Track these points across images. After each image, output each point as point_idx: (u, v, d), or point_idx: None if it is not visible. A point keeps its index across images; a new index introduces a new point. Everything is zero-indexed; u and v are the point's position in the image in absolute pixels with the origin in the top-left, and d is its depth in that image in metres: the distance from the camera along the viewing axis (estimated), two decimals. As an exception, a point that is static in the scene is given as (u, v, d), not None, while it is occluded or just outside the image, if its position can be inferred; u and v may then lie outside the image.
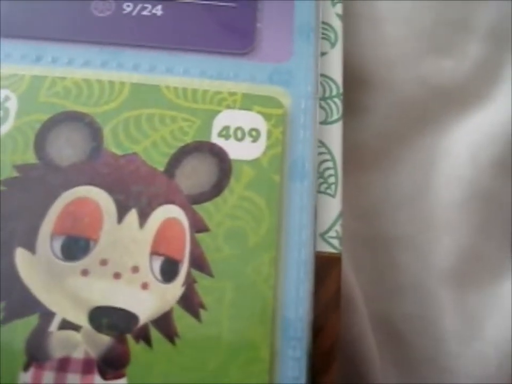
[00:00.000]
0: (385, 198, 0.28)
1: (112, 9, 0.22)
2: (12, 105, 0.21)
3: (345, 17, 0.24)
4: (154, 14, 0.22)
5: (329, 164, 0.21)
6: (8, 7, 0.22)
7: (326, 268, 0.20)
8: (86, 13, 0.22)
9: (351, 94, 0.26)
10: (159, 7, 0.22)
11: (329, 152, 0.21)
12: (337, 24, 0.23)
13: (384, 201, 0.28)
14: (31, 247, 0.19)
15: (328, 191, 0.21)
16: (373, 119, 0.27)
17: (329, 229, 0.20)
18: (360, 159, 0.28)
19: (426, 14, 0.28)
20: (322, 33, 0.23)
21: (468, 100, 0.28)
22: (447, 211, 0.27)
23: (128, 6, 0.22)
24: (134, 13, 0.22)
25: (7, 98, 0.21)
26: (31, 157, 0.20)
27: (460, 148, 0.27)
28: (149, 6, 0.22)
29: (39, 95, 0.21)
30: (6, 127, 0.20)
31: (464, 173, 0.27)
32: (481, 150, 0.27)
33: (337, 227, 0.20)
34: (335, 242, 0.20)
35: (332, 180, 0.21)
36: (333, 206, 0.21)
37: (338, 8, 0.24)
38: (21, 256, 0.19)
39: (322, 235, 0.20)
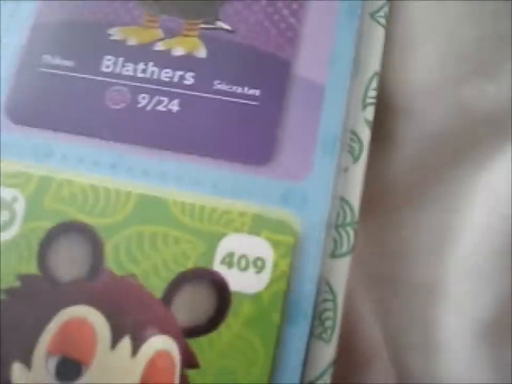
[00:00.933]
0: (417, 238, 0.25)
1: (127, 101, 0.21)
2: (20, 207, 0.20)
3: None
4: (170, 110, 0.21)
5: (329, 305, 0.20)
6: (23, 95, 0.21)
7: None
8: (100, 104, 0.21)
9: (383, 123, 0.23)
10: (176, 101, 0.21)
11: (332, 292, 0.20)
12: (364, 133, 0.21)
13: (416, 242, 0.25)
14: (27, 362, 0.19)
15: (324, 335, 0.20)
16: (406, 151, 0.25)
17: (318, 377, 0.19)
18: (390, 194, 0.25)
19: (470, 30, 0.24)
20: (346, 144, 0.21)
21: None
22: (486, 257, 0.24)
23: (144, 98, 0.21)
24: (149, 107, 0.21)
25: (15, 199, 0.20)
26: (33, 268, 0.20)
27: (502, 183, 0.24)
28: (165, 100, 0.21)
29: (45, 199, 0.20)
30: (13, 231, 0.20)
31: (506, 211, 0.24)
32: None
33: (327, 378, 0.19)
34: None
35: (329, 323, 0.20)
36: (326, 353, 0.19)
37: (369, 112, 0.21)
38: (17, 371, 0.19)
39: None
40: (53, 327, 0.19)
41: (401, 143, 0.24)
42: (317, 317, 0.19)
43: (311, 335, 0.19)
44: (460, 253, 0.25)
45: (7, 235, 0.20)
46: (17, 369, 0.19)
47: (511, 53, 0.24)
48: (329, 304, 0.20)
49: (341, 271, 0.20)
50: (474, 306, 0.24)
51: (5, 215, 0.20)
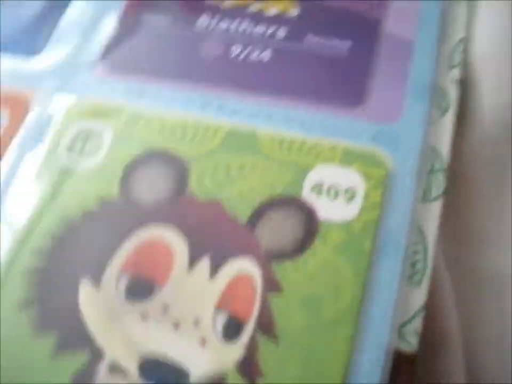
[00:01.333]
0: (499, 225, 0.23)
1: (221, 51, 0.21)
2: (108, 137, 0.20)
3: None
4: (262, 59, 0.21)
5: (419, 248, 0.18)
6: (120, 44, 0.22)
7: (398, 367, 0.17)
8: (194, 53, 0.22)
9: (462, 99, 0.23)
10: (268, 51, 0.21)
11: (422, 234, 0.19)
12: (452, 90, 0.21)
13: (497, 229, 0.23)
14: (96, 280, 0.18)
15: (414, 278, 0.18)
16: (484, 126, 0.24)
17: (408, 322, 0.18)
18: (466, 166, 0.24)
19: None
20: (436, 98, 0.21)
21: None
22: None
23: (237, 48, 0.21)
24: (242, 57, 0.21)
25: (105, 130, 0.20)
26: (115, 191, 0.19)
27: None
28: (258, 51, 0.21)
29: (134, 131, 0.20)
30: (99, 158, 0.20)
31: None
32: None
33: (417, 322, 0.17)
34: (413, 339, 0.17)
35: (419, 266, 0.18)
36: (416, 297, 0.18)
37: (456, 72, 0.21)
38: (84, 288, 0.18)
39: (399, 328, 0.18)
40: (128, 246, 0.19)
41: (478, 118, 0.24)
42: (407, 259, 0.18)
43: (402, 277, 0.18)
44: None
45: (92, 162, 0.20)
46: (85, 285, 0.18)
47: None
48: (419, 247, 0.18)
49: (432, 215, 0.19)
50: None
51: (92, 144, 0.20)
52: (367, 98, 0.20)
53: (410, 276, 0.18)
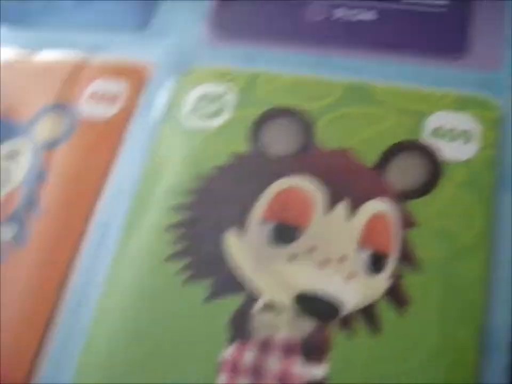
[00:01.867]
0: None
1: (326, 14, 0.23)
2: (231, 98, 0.22)
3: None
4: (366, 19, 0.23)
5: None
6: (227, 12, 0.24)
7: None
8: (300, 17, 0.23)
9: None
10: (373, 12, 0.23)
11: None
12: None
13: None
14: (242, 229, 0.20)
15: None
16: None
17: None
18: None
19: None
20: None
21: None
22: None
23: (341, 11, 0.23)
24: (346, 18, 0.23)
25: (227, 92, 0.22)
26: (246, 147, 0.21)
27: None
28: (362, 11, 0.23)
29: (256, 91, 0.22)
30: (225, 117, 0.21)
31: None
32: None
33: None
34: None
35: None
36: None
37: None
38: (232, 237, 0.20)
39: None
40: (268, 195, 0.20)
41: None
42: None
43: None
44: None
45: (219, 121, 0.21)
46: (232, 235, 0.20)
47: None
48: None
49: None
50: None
51: (217, 106, 0.22)
52: (469, 49, 0.22)
53: None
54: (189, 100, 0.22)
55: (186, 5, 0.24)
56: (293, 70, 0.22)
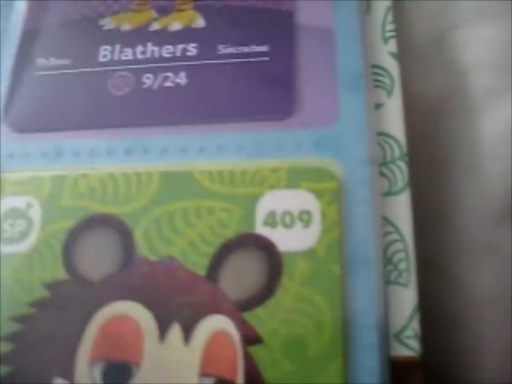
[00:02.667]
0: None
1: (131, 85, 0.19)
2: (36, 213, 0.19)
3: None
4: (178, 84, 0.19)
5: (399, 246, 0.18)
6: (22, 102, 0.20)
7: (405, 376, 0.17)
8: (103, 94, 0.20)
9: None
10: (182, 74, 0.19)
11: (397, 231, 0.18)
12: (392, 66, 0.19)
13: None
14: (69, 376, 0.17)
15: (400, 279, 0.18)
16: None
17: (405, 327, 0.17)
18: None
19: None
20: (375, 80, 0.19)
21: None
22: (486, 229, 0.22)
23: (148, 78, 0.20)
24: (155, 86, 0.19)
25: (29, 206, 0.19)
26: (61, 273, 0.18)
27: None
28: (171, 75, 0.19)
29: (62, 199, 0.19)
30: (32, 240, 0.18)
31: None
32: None
33: (414, 324, 0.17)
34: (413, 343, 0.17)
35: (403, 265, 0.18)
36: (406, 298, 0.17)
37: (392, 45, 0.20)
38: (59, 388, 0.17)
39: (396, 336, 0.17)
40: (91, 331, 0.17)
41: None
42: (389, 261, 0.17)
43: (387, 282, 0.17)
44: (458, 226, 0.23)
45: (26, 245, 0.18)
46: (59, 386, 0.17)
47: None
48: (399, 245, 0.18)
49: (402, 207, 0.18)
50: (475, 282, 0.22)
51: (21, 225, 0.19)
52: (298, 104, 0.19)
53: (396, 278, 0.18)
54: (-6, 218, 0.19)
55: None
56: (104, 162, 0.19)
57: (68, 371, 0.17)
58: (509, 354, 0.21)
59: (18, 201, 0.19)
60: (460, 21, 0.24)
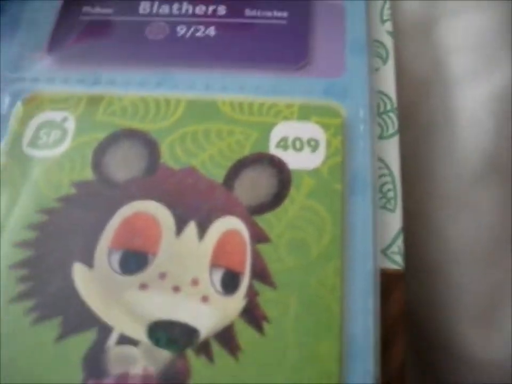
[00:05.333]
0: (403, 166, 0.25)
1: (166, 32, 0.22)
2: (70, 125, 0.21)
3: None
4: (207, 35, 0.22)
5: (387, 179, 0.20)
6: (66, 40, 0.23)
7: (389, 285, 0.19)
8: (140, 38, 0.22)
9: None
10: (212, 28, 0.22)
11: (387, 167, 0.21)
12: (388, 41, 0.23)
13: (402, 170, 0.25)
14: (89, 261, 0.19)
15: (388, 205, 0.20)
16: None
17: (391, 244, 0.19)
18: None
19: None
20: (374, 50, 0.23)
21: None
22: (466, 186, 0.25)
23: (182, 28, 0.22)
24: (188, 35, 0.22)
25: (65, 119, 0.21)
26: (88, 175, 0.20)
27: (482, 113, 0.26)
28: (202, 28, 0.22)
29: (96, 115, 0.21)
30: (64, 146, 0.20)
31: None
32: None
33: (399, 242, 0.19)
34: (398, 258, 0.19)
35: (390, 194, 0.20)
36: (393, 221, 0.20)
37: (388, 25, 0.23)
38: (78, 271, 0.18)
39: (384, 251, 0.19)
40: (113, 224, 0.19)
41: None
42: (379, 190, 0.20)
43: (377, 207, 0.20)
44: (441, 182, 0.25)
45: (59, 150, 0.20)
46: (78, 269, 0.19)
47: None
48: (387, 178, 0.20)
49: (392, 149, 0.21)
50: (454, 233, 0.25)
51: (56, 134, 0.21)
52: (311, 58, 0.22)
53: (384, 204, 0.20)
54: (30, 129, 0.21)
55: (21, 29, 0.23)
56: (136, 90, 0.21)
57: (88, 257, 0.19)
58: (484, 305, 0.23)
59: (55, 115, 0.21)
60: (446, 11, 0.27)
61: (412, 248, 0.23)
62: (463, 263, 0.24)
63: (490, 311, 0.24)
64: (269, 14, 0.23)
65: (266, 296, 0.18)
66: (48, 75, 0.22)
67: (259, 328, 0.18)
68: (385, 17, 0.24)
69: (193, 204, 0.19)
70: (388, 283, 0.19)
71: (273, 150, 0.20)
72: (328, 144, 0.20)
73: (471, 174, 0.25)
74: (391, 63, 0.23)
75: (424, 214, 0.25)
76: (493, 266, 0.24)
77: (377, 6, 0.24)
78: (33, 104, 0.21)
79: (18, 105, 0.21)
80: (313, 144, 0.20)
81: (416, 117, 0.26)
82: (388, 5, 0.24)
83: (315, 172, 0.20)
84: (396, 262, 0.19)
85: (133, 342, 0.18)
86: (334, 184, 0.19)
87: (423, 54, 0.27)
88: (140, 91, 0.21)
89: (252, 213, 0.19)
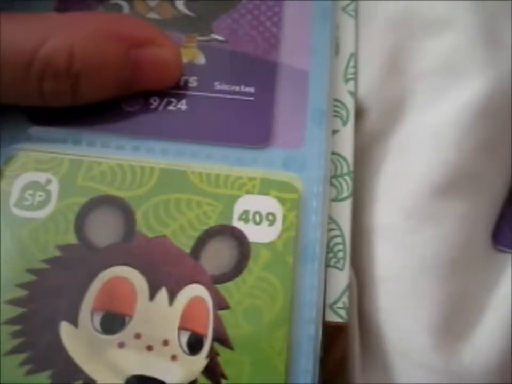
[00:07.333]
0: (367, 183, 0.28)
1: (141, 104, 0.24)
2: (54, 188, 0.23)
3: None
4: (179, 109, 0.24)
5: (339, 240, 0.24)
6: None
7: (333, 336, 0.23)
8: (117, 107, 0.24)
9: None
10: (183, 101, 0.24)
11: (339, 228, 0.24)
12: (349, 101, 0.26)
13: (365, 187, 0.28)
14: (74, 320, 0.22)
15: (337, 265, 0.24)
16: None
17: (337, 300, 0.23)
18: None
19: None
20: (335, 111, 0.25)
21: None
22: (428, 198, 0.27)
23: (155, 100, 0.24)
24: (161, 108, 0.24)
25: (48, 182, 0.23)
26: (72, 238, 0.22)
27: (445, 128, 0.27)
28: (174, 101, 0.24)
29: (77, 179, 0.23)
30: (50, 208, 0.23)
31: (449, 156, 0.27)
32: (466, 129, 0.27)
33: (345, 298, 0.23)
34: (342, 312, 0.23)
35: (340, 254, 0.24)
36: (341, 279, 0.23)
37: (351, 85, 0.26)
38: (65, 329, 0.22)
39: (331, 306, 0.23)
40: (95, 287, 0.22)
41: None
42: (330, 250, 0.23)
43: (327, 265, 0.23)
44: (404, 194, 0.27)
45: (45, 212, 0.23)
46: (65, 328, 0.22)
47: None
48: (339, 239, 0.24)
49: (345, 212, 0.24)
50: (416, 244, 0.26)
51: (41, 196, 0.23)
52: (273, 132, 0.24)
53: (334, 263, 0.24)
54: (15, 188, 0.23)
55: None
56: (114, 154, 0.24)
57: (73, 316, 0.22)
58: (445, 314, 0.25)
59: (39, 176, 0.23)
60: (412, 36, 0.29)
61: (375, 257, 0.26)
62: (425, 272, 0.26)
63: (451, 321, 0.26)
64: (237, 88, 0.25)
65: (224, 357, 0.22)
66: (28, 133, 0.24)
67: (218, 384, 0.22)
68: (349, 76, 0.26)
69: (165, 271, 0.22)
70: (333, 334, 0.23)
71: (236, 223, 0.23)
72: (284, 218, 0.23)
73: (434, 187, 0.26)
74: (350, 124, 0.25)
75: (386, 226, 0.27)
76: (456, 277, 0.26)
77: (343, 62, 0.26)
78: (18, 164, 0.23)
79: (2, 164, 0.23)
80: (271, 219, 0.23)
81: (382, 142, 0.28)
82: (353, 61, 0.26)
83: (271, 245, 0.23)
84: (340, 316, 0.23)
85: (113, 394, 0.21)
86: (287, 257, 0.23)
87: (390, 81, 0.28)
88: (118, 155, 0.24)
89: (215, 281, 0.22)
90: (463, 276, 0.26)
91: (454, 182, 0.26)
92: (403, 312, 0.26)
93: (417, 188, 0.27)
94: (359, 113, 0.27)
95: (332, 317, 0.23)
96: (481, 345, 0.25)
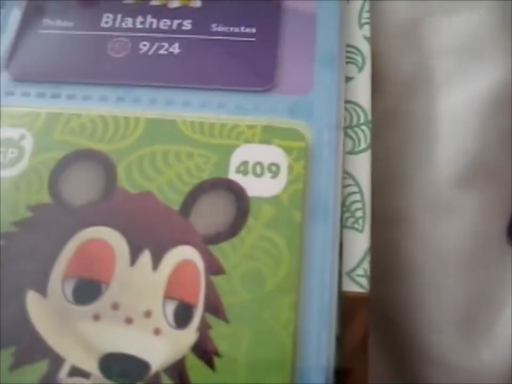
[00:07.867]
0: (386, 171, 0.25)
1: (128, 49, 0.21)
2: (27, 144, 0.20)
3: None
4: (171, 53, 0.21)
5: (357, 197, 0.20)
6: (24, 54, 0.22)
7: (353, 309, 0.19)
8: (102, 54, 0.21)
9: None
10: (176, 45, 0.21)
11: (357, 184, 0.20)
12: (364, 47, 0.22)
13: (385, 175, 0.25)
14: (42, 290, 0.18)
15: (356, 225, 0.20)
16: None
17: (356, 266, 0.19)
18: None
19: None
20: (348, 57, 0.22)
21: None
22: (449, 189, 0.25)
23: (145, 45, 0.22)
24: (151, 52, 0.21)
25: (22, 137, 0.20)
26: (45, 197, 0.19)
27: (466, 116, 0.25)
28: (166, 45, 0.21)
29: (54, 133, 0.20)
30: (21, 166, 0.20)
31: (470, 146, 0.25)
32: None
33: (365, 264, 0.19)
34: (363, 281, 0.19)
35: (359, 213, 0.20)
36: (360, 242, 0.19)
37: (366, 30, 0.22)
38: (32, 300, 0.18)
39: (349, 273, 0.19)
40: (68, 250, 0.19)
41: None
42: (347, 209, 0.20)
43: (344, 226, 0.19)
44: (425, 185, 0.25)
45: (16, 170, 0.20)
46: (32, 297, 0.18)
47: None
48: (357, 196, 0.20)
49: (363, 165, 0.20)
50: (437, 237, 0.25)
51: (13, 152, 0.20)
52: (278, 75, 0.21)
53: (352, 224, 0.20)
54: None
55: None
56: (96, 106, 0.21)
57: (41, 285, 0.19)
58: (464, 312, 0.24)
59: (12, 132, 0.20)
60: (430, 13, 0.26)
61: (394, 252, 0.24)
62: (445, 268, 0.24)
63: (470, 318, 0.24)
64: (236, 30, 0.22)
65: (218, 330, 0.18)
66: (7, 89, 0.21)
67: (210, 363, 0.18)
68: (363, 21, 0.23)
69: (149, 232, 0.19)
70: (351, 307, 0.19)
71: (233, 175, 0.19)
72: (290, 169, 0.19)
73: (454, 177, 0.25)
74: (367, 71, 0.22)
75: (406, 218, 0.25)
76: (475, 272, 0.24)
77: (356, 8, 0.23)
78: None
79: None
80: (274, 170, 0.19)
81: (399, 121, 0.25)
82: (367, 6, 0.23)
83: (274, 200, 0.19)
84: (360, 285, 0.19)
85: (85, 374, 0.18)
86: (294, 213, 0.19)
87: (406, 56, 0.26)
88: (100, 106, 0.21)
89: (208, 242, 0.19)
90: (481, 271, 0.25)
91: (473, 173, 0.25)
92: (421, 308, 0.24)
93: (436, 177, 0.25)
94: (373, 85, 0.24)
95: (350, 286, 0.19)
96: (500, 343, 0.24)
